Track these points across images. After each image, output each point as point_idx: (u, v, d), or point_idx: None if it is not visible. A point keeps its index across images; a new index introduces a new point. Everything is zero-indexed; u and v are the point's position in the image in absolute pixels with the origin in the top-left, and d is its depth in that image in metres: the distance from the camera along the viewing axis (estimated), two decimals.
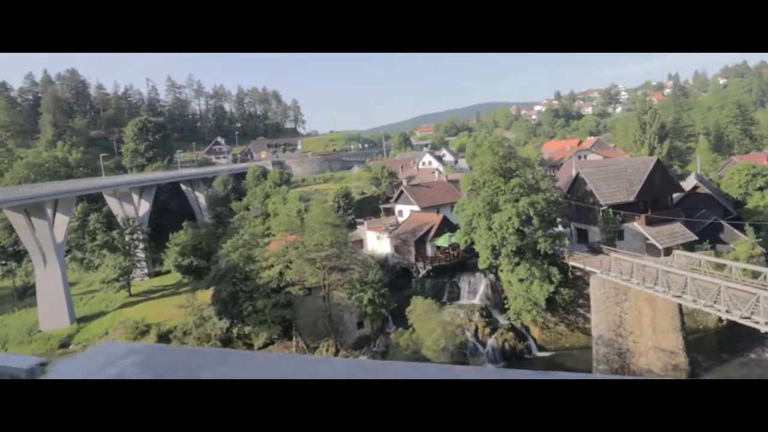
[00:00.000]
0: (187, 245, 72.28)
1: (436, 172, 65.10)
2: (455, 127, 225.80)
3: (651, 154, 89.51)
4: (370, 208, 67.98)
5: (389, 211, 64.79)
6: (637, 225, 44.93)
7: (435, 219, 50.30)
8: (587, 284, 44.78)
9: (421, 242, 49.20)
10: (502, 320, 45.95)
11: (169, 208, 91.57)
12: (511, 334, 44.02)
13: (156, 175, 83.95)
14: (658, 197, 45.02)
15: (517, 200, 41.59)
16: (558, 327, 44.54)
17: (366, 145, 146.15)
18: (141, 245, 71.96)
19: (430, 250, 49.44)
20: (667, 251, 43.80)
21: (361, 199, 67.94)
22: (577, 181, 46.57)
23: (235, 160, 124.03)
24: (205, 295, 55.11)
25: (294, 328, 47.70)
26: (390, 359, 36.28)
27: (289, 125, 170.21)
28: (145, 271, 75.77)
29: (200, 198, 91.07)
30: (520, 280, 42.57)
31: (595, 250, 44.29)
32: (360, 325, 47.20)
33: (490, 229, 41.81)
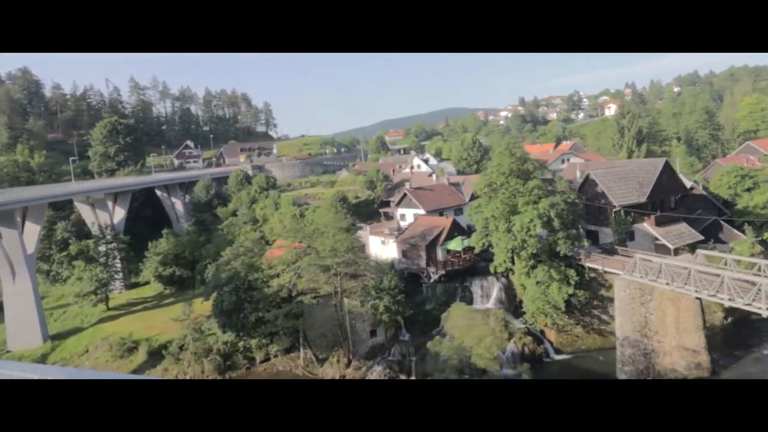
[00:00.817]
0: (168, 254, 68.15)
1: (434, 176, 64.18)
2: (425, 132, 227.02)
3: (629, 157, 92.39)
4: (365, 212, 66.26)
5: (387, 215, 63.30)
6: (647, 226, 45.48)
7: (444, 222, 49.23)
8: (602, 285, 44.95)
9: (431, 246, 47.98)
10: (517, 324, 45.27)
11: (144, 215, 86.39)
12: (528, 338, 43.35)
13: (131, 180, 78.96)
14: (665, 198, 45.76)
15: (536, 202, 41.11)
16: (574, 329, 44.27)
17: (342, 150, 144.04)
18: (118, 255, 67.16)
19: (440, 254, 48.27)
20: (676, 251, 44.65)
21: (356, 203, 66.10)
22: (587, 183, 46.72)
23: (209, 165, 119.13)
24: (200, 307, 51.70)
25: (302, 339, 45.34)
26: (430, 369, 34.75)
27: (260, 129, 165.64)
28: (121, 282, 70.76)
29: (177, 204, 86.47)
30: (538, 283, 42.01)
31: (608, 251, 44.44)
32: (372, 333, 45.37)
33: (509, 231, 41.12)
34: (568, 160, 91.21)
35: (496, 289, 46.98)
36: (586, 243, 42.39)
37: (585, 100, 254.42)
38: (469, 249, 46.67)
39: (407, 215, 56.39)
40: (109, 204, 72.04)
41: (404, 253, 50.18)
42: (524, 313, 44.72)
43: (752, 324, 45.07)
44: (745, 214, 53.74)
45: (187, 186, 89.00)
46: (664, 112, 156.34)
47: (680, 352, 37.42)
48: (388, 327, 44.34)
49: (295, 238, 43.32)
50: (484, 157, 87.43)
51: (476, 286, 47.58)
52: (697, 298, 36.82)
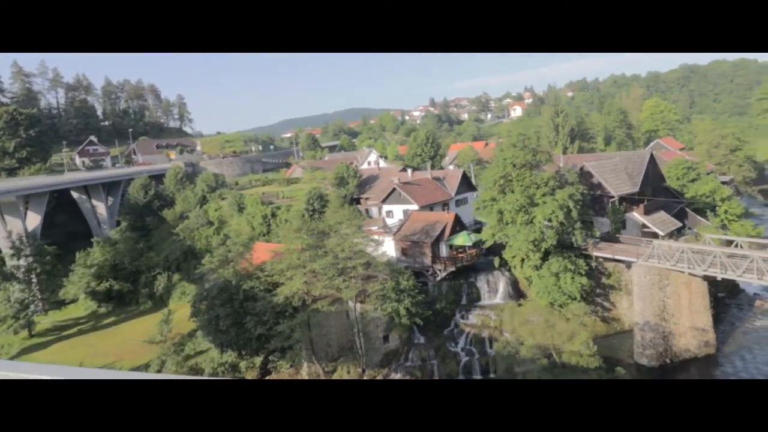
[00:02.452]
0: (103, 265, 58.07)
1: (409, 171, 62.13)
2: (343, 131, 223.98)
3: (564, 152, 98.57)
4: (335, 209, 62.07)
5: (367, 213, 59.97)
6: (636, 214, 47.85)
7: (445, 217, 47.44)
8: (602, 274, 46.29)
9: (435, 243, 45.90)
10: None
11: (57, 221, 72.95)
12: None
13: (44, 180, 66.14)
14: (653, 187, 48.54)
15: (551, 193, 41.01)
16: (584, 319, 45.03)
17: (271, 147, 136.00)
18: (40, 269, 55.52)
19: (444, 251, 46.42)
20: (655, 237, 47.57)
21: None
22: (582, 175, 47.90)
23: (128, 163, 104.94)
24: (182, 323, 44.23)
25: (309, 350, 40.61)
26: (499, 369, 32.50)
27: (173, 124, 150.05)
28: (39, 302, 58.70)
29: (100, 208, 74.36)
30: (554, 274, 41.99)
31: (609, 240, 45.90)
32: (384, 339, 42.12)
33: (529, 223, 40.53)
34: None
35: (502, 284, 46.27)
36: (597, 233, 43.28)
37: (492, 102, 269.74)
38: (476, 244, 45.40)
39: (395, 212, 53.70)
40: (21, 209, 59.39)
41: (404, 251, 47.47)
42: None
43: (730, 300, 49.64)
44: (693, 202, 59.29)
45: (109, 187, 76.89)
46: (570, 113, 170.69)
47: (692, 332, 39.63)
48: (402, 331, 41.41)
49: (303, 240, 38.47)
50: (438, 153, 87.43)
51: (482, 282, 46.46)
52: (705, 280, 39.35)
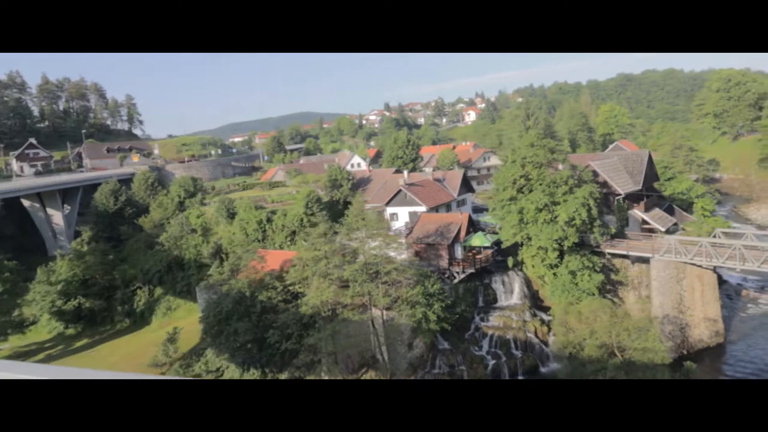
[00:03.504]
0: (72, 281, 52.34)
1: (405, 173, 60.81)
2: (299, 135, 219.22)
3: None
4: (331, 213, 59.62)
5: None
6: (637, 211, 49.26)
7: (458, 218, 46.50)
8: (610, 270, 47.16)
9: (451, 244, 44.85)
10: (544, 316, 44.89)
11: (5, 233, 65.03)
12: (563, 329, 43.27)
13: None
14: (649, 185, 50.20)
15: (570, 192, 41.17)
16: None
17: (233, 151, 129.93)
18: None
19: (459, 253, 45.46)
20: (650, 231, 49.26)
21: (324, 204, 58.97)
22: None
23: (79, 168, 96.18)
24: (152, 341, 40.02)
25: (331, 362, 38.14)
26: (564, 371, 31.54)
27: (121, 126, 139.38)
28: None
29: (56, 217, 67.12)
30: (571, 273, 42.15)
31: (618, 237, 46.81)
32: (408, 346, 40.39)
33: (552, 222, 40.40)
34: (489, 158, 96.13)
35: (517, 284, 45.97)
36: (612, 230, 43.95)
37: (447, 107, 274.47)
38: (498, 243, 44.82)
39: (400, 214, 52.13)
40: None
41: (418, 254, 45.97)
42: (541, 304, 44.69)
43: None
44: (673, 200, 62.30)
45: (66, 193, 69.63)
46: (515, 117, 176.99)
47: (705, 323, 41.04)
48: (429, 337, 39.89)
49: (328, 246, 36.06)
50: (418, 156, 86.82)
51: (497, 283, 45.94)
52: (715, 272, 40.94)
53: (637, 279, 47.19)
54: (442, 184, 56.49)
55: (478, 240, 44.52)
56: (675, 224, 52.11)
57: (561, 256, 42.99)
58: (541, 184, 41.20)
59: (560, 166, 43.32)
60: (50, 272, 51.96)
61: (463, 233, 45.21)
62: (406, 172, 61.79)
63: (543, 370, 40.59)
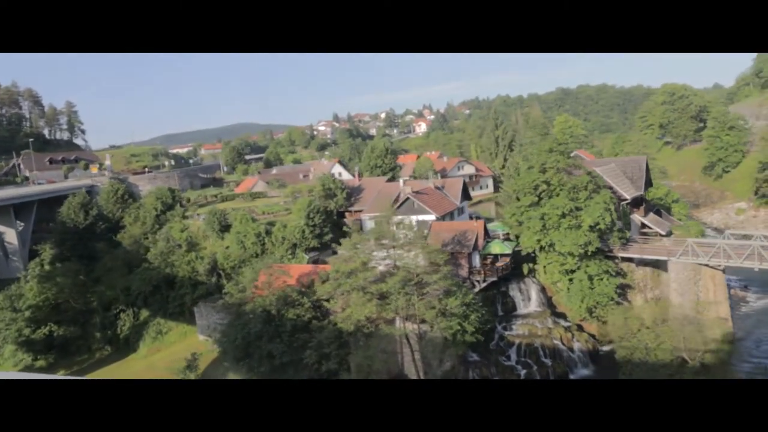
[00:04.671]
0: (42, 307, 46.28)
1: (401, 181, 59.45)
2: (249, 145, 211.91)
3: (504, 164, 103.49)
4: (329, 224, 56.97)
5: (358, 226, 55.68)
6: (637, 215, 50.88)
7: (473, 226, 45.69)
8: (618, 274, 48.06)
9: (470, 253, 43.87)
10: (563, 322, 44.87)
11: None
12: (584, 334, 43.47)
13: None
14: (645, 190, 52.11)
15: (590, 197, 41.61)
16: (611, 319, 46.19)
17: (189, 161, 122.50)
18: None
19: (477, 261, 44.56)
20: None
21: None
22: None
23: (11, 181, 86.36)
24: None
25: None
26: (628, 372, 30.77)
27: (59, 135, 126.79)
28: None
29: (9, 235, 59.22)
30: (591, 278, 42.50)
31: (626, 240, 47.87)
32: (439, 360, 38.66)
33: (576, 227, 40.52)
34: (462, 167, 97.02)
35: (534, 292, 45.78)
36: (627, 234, 44.83)
37: (397, 118, 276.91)
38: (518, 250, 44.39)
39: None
40: None
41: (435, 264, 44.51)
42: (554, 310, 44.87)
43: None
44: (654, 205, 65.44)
45: (17, 210, 61.62)
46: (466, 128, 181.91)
47: (717, 322, 42.55)
48: (462, 349, 38.42)
49: (362, 257, 33.79)
50: (397, 165, 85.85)
51: (515, 291, 45.52)
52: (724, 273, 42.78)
53: (642, 282, 48.55)
54: (442, 192, 55.62)
55: (497, 247, 43.89)
56: (669, 228, 54.43)
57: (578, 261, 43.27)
58: (562, 189, 41.30)
59: (577, 172, 43.76)
60: (14, 297, 45.33)
61: (480, 241, 44.40)
62: (402, 180, 60.50)
63: (572, 376, 40.35)
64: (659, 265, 45.52)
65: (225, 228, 51.55)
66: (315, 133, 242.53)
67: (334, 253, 50.92)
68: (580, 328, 45.38)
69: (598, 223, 39.86)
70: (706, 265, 40.88)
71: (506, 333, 42.20)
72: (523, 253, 44.18)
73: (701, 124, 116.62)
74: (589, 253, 41.34)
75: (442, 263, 34.21)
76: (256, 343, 31.53)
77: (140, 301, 48.41)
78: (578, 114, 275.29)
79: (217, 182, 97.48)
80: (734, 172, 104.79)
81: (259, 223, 49.90)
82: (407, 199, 49.81)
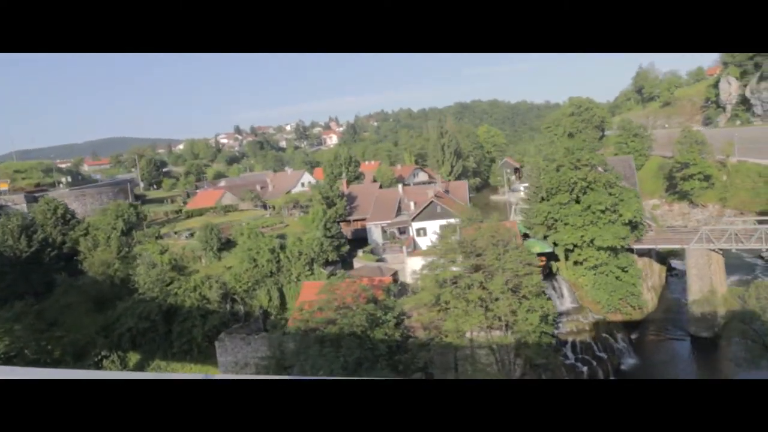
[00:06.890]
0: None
1: (400, 186, 56.74)
2: (143, 157, 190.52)
3: (451, 171, 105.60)
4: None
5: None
6: None
7: (508, 226, 44.78)
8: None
9: None
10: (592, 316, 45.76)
11: None
12: (618, 326, 44.72)
13: None
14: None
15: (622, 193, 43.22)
16: (628, 310, 48.21)
17: (98, 177, 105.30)
18: None
19: None
20: None
21: None
22: None
23: None
24: None
25: None
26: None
27: None
28: None
29: None
30: (624, 269, 44.07)
31: None
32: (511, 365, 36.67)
33: (614, 222, 41.66)
34: (417, 174, 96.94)
35: (566, 288, 46.17)
36: (645, 227, 47.27)
37: (307, 130, 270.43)
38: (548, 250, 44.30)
39: (428, 228, 48.10)
40: None
41: (475, 268, 42.72)
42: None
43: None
44: None
45: None
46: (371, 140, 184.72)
47: (722, 300, 46.85)
48: (535, 353, 36.89)
49: (464, 263, 30.78)
50: (361, 174, 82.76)
51: (549, 289, 45.36)
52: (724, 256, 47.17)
53: (644, 271, 51.81)
54: (449, 195, 54.18)
55: (537, 246, 43.48)
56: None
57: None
58: (598, 185, 42.30)
59: (600, 169, 45.25)
60: None
61: (519, 240, 43.63)
62: (400, 186, 57.90)
63: (623, 368, 41.13)
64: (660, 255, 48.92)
65: (223, 246, 44.23)
66: (221, 146, 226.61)
67: (350, 266, 46.57)
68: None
69: (635, 217, 41.41)
70: (716, 251, 44.72)
71: (555, 331, 41.70)
72: (557, 250, 44.36)
73: (601, 133, 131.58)
74: (624, 247, 42.79)
75: (537, 263, 32.46)
76: (358, 372, 26.63)
77: (126, 343, 39.02)
78: (476, 126, 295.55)
79: (144, 199, 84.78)
80: (640, 173, 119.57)
81: (272, 237, 43.58)
82: (430, 203, 47.38)
